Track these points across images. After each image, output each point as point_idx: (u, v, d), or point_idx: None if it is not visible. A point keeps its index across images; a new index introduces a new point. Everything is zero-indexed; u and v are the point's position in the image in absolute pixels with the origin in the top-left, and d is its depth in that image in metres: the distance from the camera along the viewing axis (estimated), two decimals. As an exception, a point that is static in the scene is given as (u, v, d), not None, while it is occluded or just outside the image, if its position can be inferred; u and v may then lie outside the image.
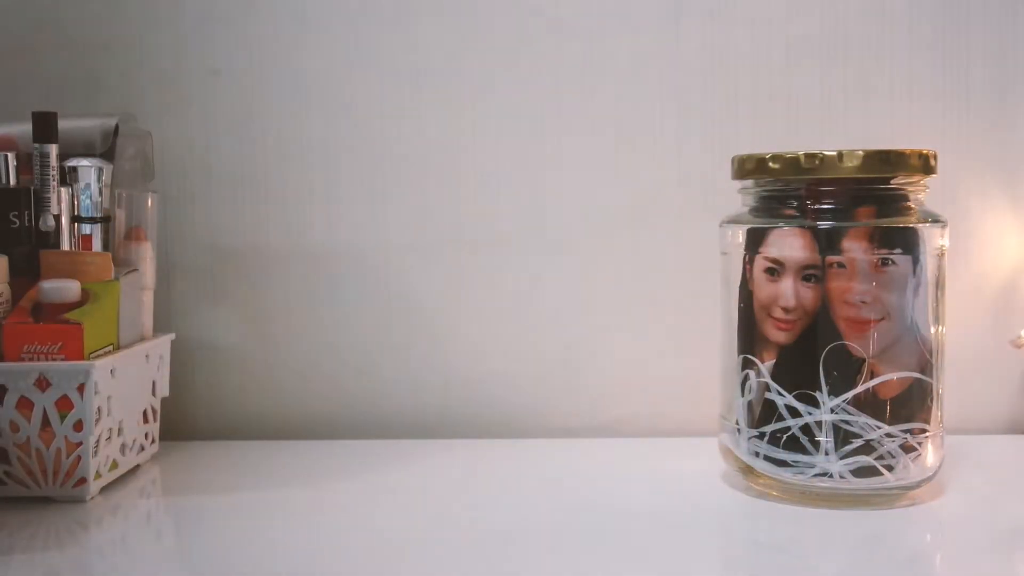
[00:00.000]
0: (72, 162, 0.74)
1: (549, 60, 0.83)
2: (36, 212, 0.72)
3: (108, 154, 0.76)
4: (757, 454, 0.65)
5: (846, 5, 0.81)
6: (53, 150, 0.72)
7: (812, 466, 0.63)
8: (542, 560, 0.56)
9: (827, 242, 0.63)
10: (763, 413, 0.65)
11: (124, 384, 0.71)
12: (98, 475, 0.68)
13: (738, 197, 0.69)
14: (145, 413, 0.76)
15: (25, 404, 0.66)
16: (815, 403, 0.63)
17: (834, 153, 0.62)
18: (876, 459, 0.62)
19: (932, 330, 0.64)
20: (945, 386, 0.66)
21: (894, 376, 0.63)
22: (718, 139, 0.82)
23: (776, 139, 0.81)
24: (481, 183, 0.84)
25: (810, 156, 0.62)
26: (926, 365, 0.64)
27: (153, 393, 0.77)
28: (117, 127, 0.76)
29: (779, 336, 0.64)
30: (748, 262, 0.66)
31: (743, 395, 0.66)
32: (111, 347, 0.71)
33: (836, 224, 0.63)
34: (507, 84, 0.83)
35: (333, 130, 0.84)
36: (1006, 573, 0.56)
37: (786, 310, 0.64)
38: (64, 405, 0.66)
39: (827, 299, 0.63)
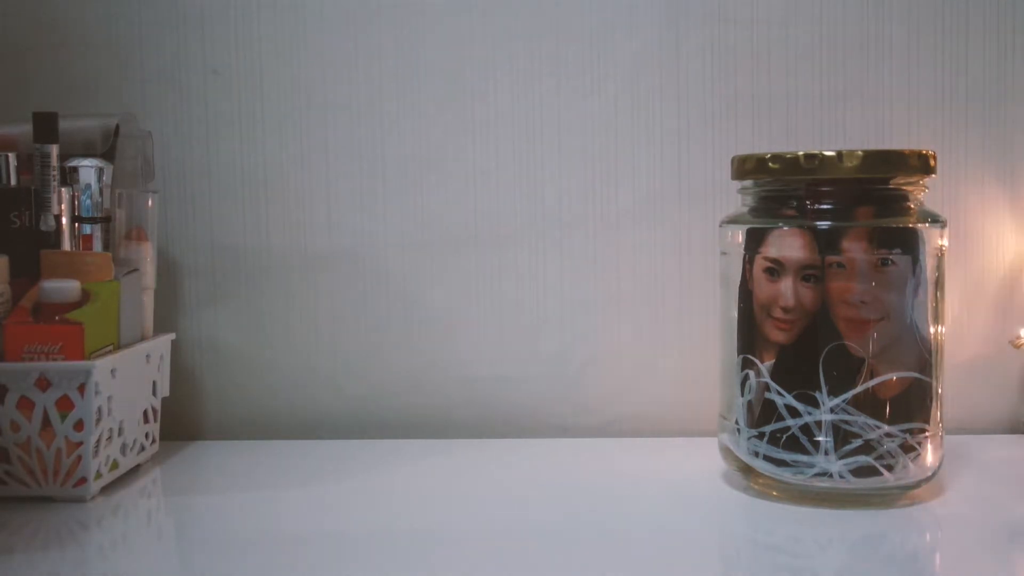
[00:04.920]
0: (72, 162, 0.74)
1: (549, 60, 0.83)
2: (36, 212, 0.72)
3: (108, 154, 0.76)
4: (757, 454, 0.65)
5: (845, 5, 0.81)
6: (53, 150, 0.72)
7: (812, 466, 0.63)
8: (542, 560, 0.56)
9: (827, 242, 0.63)
10: (763, 413, 0.65)
11: (124, 384, 0.71)
12: (98, 475, 0.68)
13: (738, 197, 0.69)
14: (145, 413, 0.76)
15: (25, 404, 0.66)
16: (815, 403, 0.63)
17: (833, 153, 0.62)
18: (876, 459, 0.62)
19: (932, 330, 0.64)
20: (945, 386, 0.66)
21: (894, 376, 0.63)
22: (718, 139, 0.82)
23: (776, 139, 0.81)
24: (481, 183, 0.84)
25: (810, 156, 0.62)
26: (926, 365, 0.64)
27: (153, 393, 0.77)
28: (117, 127, 0.76)
29: (779, 336, 0.64)
30: (748, 262, 0.66)
31: (743, 395, 0.66)
32: (111, 347, 0.71)
33: (836, 224, 0.63)
34: (507, 84, 0.83)
35: (333, 130, 0.84)
36: (1006, 573, 0.56)
37: (786, 310, 0.64)
38: (64, 405, 0.66)
39: (827, 299, 0.63)
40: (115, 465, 0.71)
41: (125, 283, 0.73)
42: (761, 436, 0.65)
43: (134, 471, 0.74)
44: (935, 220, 0.64)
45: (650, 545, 0.58)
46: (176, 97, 0.85)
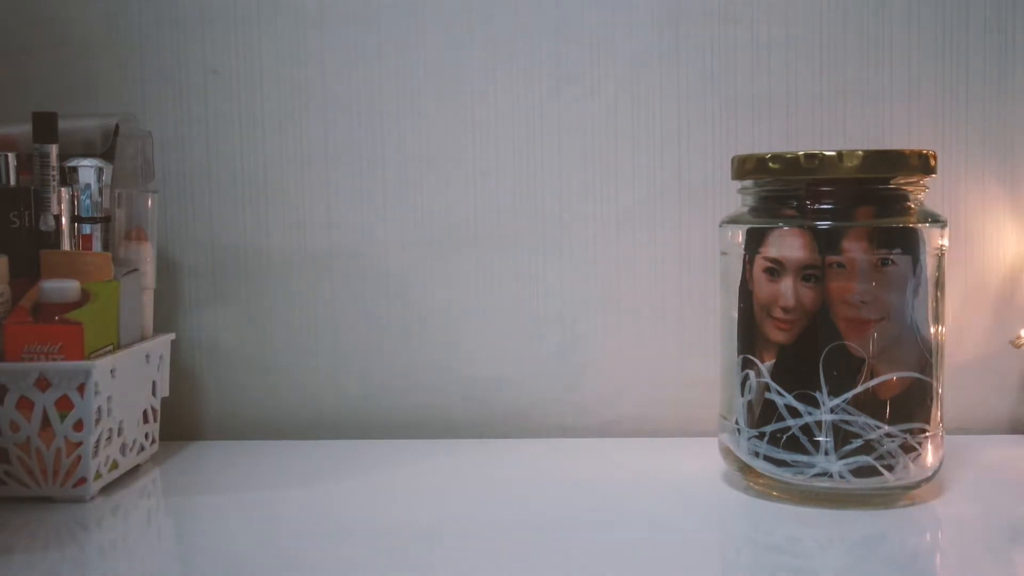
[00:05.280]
0: (72, 162, 0.74)
1: (549, 60, 0.83)
2: (36, 212, 0.72)
3: (108, 154, 0.76)
4: (757, 454, 0.65)
5: (845, 5, 0.81)
6: (53, 150, 0.72)
7: (812, 466, 0.63)
8: (541, 560, 0.56)
9: (827, 242, 0.63)
10: (763, 413, 0.65)
11: (124, 384, 0.71)
12: (98, 475, 0.68)
13: (738, 197, 0.69)
14: (145, 413, 0.76)
15: (25, 404, 0.66)
16: (815, 403, 0.63)
17: (834, 153, 0.62)
18: (876, 459, 0.62)
19: (932, 330, 0.64)
20: (945, 386, 0.66)
21: (894, 376, 0.63)
22: (718, 139, 0.82)
23: (776, 139, 0.81)
24: (481, 183, 0.84)
25: (810, 156, 0.62)
26: (926, 365, 0.64)
27: (153, 393, 0.77)
28: (117, 127, 0.76)
29: (779, 336, 0.64)
30: (748, 262, 0.66)
31: (743, 395, 0.66)
32: (111, 347, 0.71)
33: (836, 224, 0.63)
34: (507, 84, 0.83)
35: (333, 130, 0.84)
36: (1006, 573, 0.56)
37: (786, 310, 0.64)
38: (64, 405, 0.66)
39: (827, 299, 0.63)
40: (115, 465, 0.71)
41: (125, 283, 0.73)
42: (761, 436, 0.65)
43: (134, 471, 0.74)
44: (935, 220, 0.64)
45: (650, 545, 0.58)
46: (176, 97, 0.85)
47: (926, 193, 0.66)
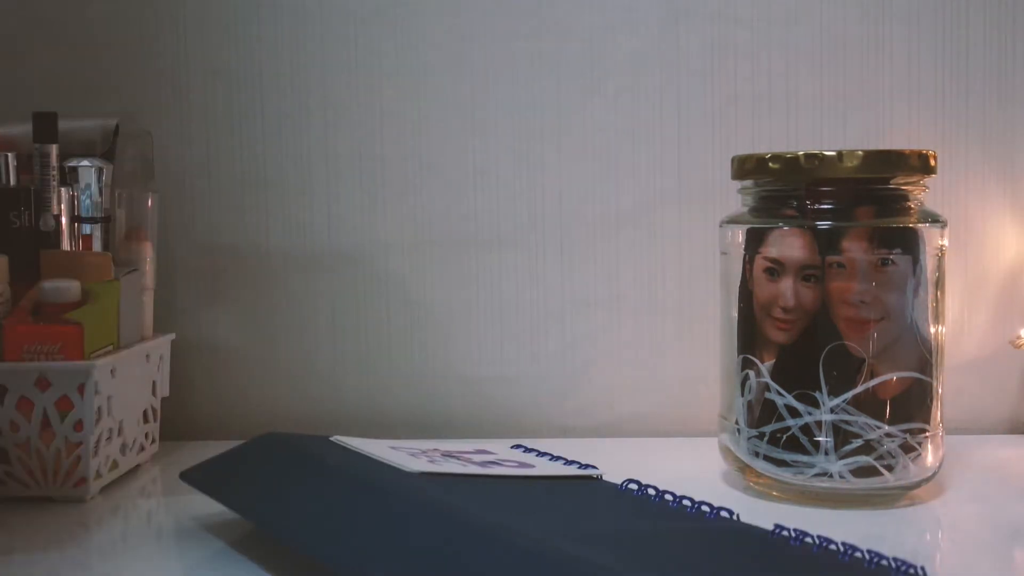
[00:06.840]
0: (72, 162, 0.74)
1: (549, 60, 0.83)
2: (36, 212, 0.72)
3: (108, 154, 0.76)
4: (757, 454, 0.65)
5: (845, 5, 0.81)
6: (53, 150, 0.72)
7: (812, 466, 0.63)
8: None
9: (827, 242, 0.63)
10: (763, 413, 0.65)
11: (124, 384, 0.71)
12: (98, 475, 0.68)
13: (738, 197, 0.69)
14: (145, 413, 0.76)
15: (25, 404, 0.66)
16: (815, 403, 0.63)
17: (834, 153, 0.62)
18: (876, 459, 0.62)
19: (932, 330, 0.64)
20: (945, 386, 0.66)
21: (894, 376, 0.63)
22: (718, 139, 0.82)
23: (776, 139, 0.81)
24: (481, 183, 0.84)
25: (810, 156, 0.62)
26: (926, 365, 0.64)
27: (153, 393, 0.77)
28: (117, 127, 0.77)
29: (779, 336, 0.64)
30: (748, 262, 0.66)
31: (743, 395, 0.66)
32: (111, 347, 0.71)
33: (836, 224, 0.63)
34: (507, 84, 0.83)
35: (333, 130, 0.84)
36: (1006, 573, 0.56)
37: (786, 310, 0.64)
38: (64, 405, 0.66)
39: (827, 299, 0.63)
40: (115, 465, 0.71)
41: (125, 283, 0.73)
42: (761, 436, 0.65)
43: (134, 471, 0.74)
44: (935, 220, 0.64)
45: (650, 545, 0.58)
46: (176, 97, 0.84)
47: (926, 193, 0.66)
